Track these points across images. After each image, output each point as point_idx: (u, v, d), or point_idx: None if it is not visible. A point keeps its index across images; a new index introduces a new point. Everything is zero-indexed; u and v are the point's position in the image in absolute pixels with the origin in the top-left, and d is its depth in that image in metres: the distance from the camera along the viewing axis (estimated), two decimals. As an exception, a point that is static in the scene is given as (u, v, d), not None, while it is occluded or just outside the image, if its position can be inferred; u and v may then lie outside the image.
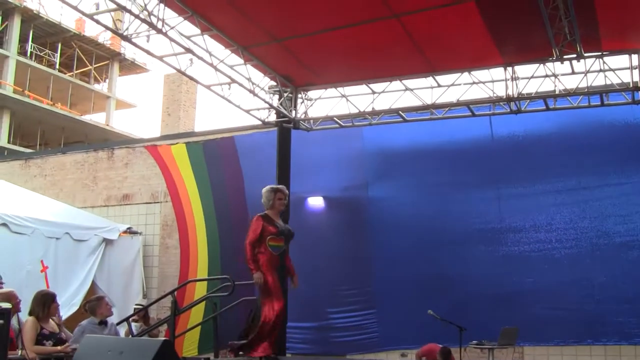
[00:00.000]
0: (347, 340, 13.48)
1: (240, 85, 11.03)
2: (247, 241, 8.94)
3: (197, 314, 13.11)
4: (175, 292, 9.79)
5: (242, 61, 10.78)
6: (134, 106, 46.55)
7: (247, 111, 11.77)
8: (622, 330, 11.78)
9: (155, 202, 16.86)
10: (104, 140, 34.35)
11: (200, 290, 13.48)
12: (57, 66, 39.58)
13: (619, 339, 11.83)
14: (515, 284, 12.48)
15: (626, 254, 12.05)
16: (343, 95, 11.83)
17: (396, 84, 11.42)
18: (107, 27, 9.49)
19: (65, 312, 11.65)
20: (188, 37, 9.94)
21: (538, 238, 12.59)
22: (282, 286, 9.06)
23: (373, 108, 11.64)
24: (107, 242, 14.96)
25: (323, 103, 12.23)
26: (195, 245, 14.70)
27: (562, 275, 12.34)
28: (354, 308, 13.49)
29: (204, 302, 12.02)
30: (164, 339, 9.55)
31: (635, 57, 10.02)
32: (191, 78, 11.08)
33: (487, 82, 10.91)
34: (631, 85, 10.08)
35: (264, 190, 9.41)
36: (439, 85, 11.27)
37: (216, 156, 14.98)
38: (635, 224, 12.07)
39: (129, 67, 44.72)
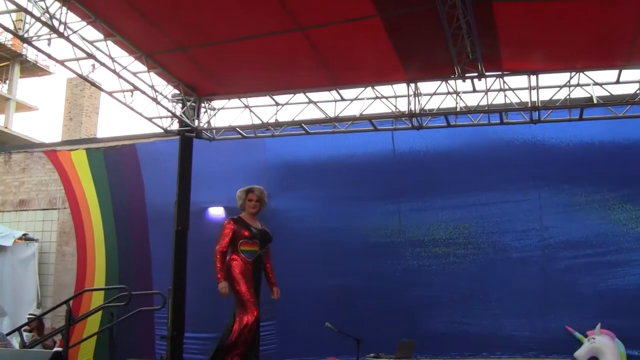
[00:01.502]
0: (246, 352, 13.40)
1: (143, 92, 10.81)
2: (216, 248, 8.66)
3: (93, 324, 12.83)
4: (71, 302, 9.55)
5: (145, 68, 10.59)
6: (35, 109, 45.38)
7: (150, 119, 11.55)
8: (517, 344, 12.09)
9: (53, 209, 16.51)
10: (2, 143, 33.37)
11: (97, 299, 13.23)
12: (-47, 65, 38.39)
13: (513, 352, 12.12)
14: (414, 298, 12.66)
15: (522, 269, 12.36)
16: (246, 106, 11.74)
17: (300, 97, 11.37)
18: (5, 29, 9.12)
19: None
20: (91, 42, 9.67)
21: (437, 252, 12.79)
22: (257, 295, 8.83)
23: (276, 119, 11.58)
24: (1, 248, 14.58)
25: (226, 113, 12.12)
26: (93, 253, 14.40)
27: (460, 289, 12.59)
28: (254, 319, 13.38)
29: (100, 312, 11.80)
30: (55, 350, 9.35)
31: (533, 77, 10.23)
32: (93, 84, 10.84)
33: (390, 98, 10.95)
34: (529, 104, 10.29)
35: (238, 191, 9.21)
36: (342, 99, 11.25)
37: (117, 164, 14.73)
38: (531, 240, 12.41)
39: (31, 69, 43.55)
